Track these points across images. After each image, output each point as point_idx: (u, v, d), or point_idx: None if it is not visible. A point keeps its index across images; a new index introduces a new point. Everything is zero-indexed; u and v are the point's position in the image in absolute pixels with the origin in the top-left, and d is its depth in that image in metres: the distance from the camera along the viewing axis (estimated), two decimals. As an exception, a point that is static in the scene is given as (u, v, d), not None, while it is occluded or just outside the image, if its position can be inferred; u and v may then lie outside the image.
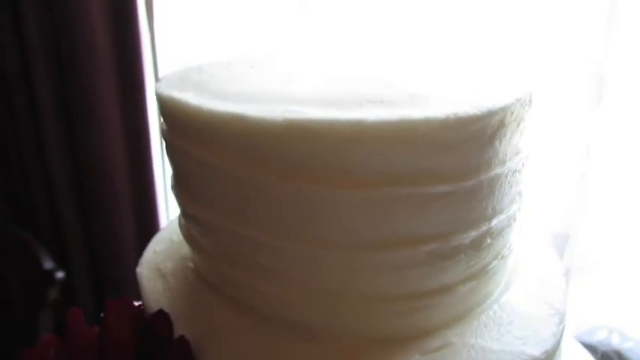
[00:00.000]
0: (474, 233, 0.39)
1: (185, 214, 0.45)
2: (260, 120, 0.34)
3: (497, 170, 0.38)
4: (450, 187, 0.36)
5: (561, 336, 0.42)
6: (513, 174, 0.40)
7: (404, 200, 0.35)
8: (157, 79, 1.19)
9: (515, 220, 0.43)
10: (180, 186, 0.44)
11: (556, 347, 0.41)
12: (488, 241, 0.40)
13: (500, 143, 0.37)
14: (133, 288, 0.50)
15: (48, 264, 1.24)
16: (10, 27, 1.11)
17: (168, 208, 1.32)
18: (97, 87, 1.15)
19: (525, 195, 0.45)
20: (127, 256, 1.29)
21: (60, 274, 1.23)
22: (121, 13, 1.13)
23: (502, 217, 0.41)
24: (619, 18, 0.96)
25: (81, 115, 1.18)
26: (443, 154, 0.35)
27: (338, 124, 0.33)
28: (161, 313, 0.43)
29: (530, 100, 0.39)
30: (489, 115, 0.35)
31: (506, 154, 0.39)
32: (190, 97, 0.38)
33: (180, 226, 0.48)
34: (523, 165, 0.42)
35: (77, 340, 0.43)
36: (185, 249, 0.51)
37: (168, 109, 0.41)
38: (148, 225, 1.29)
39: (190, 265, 0.49)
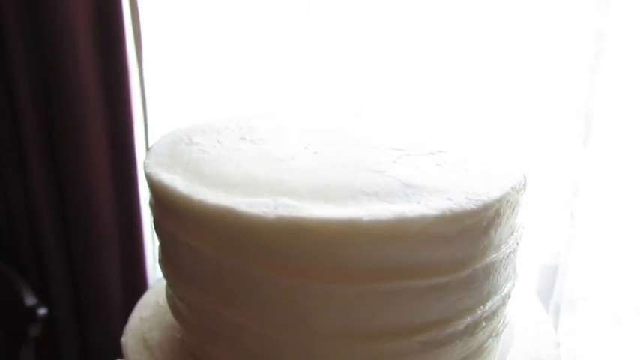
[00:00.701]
0: (468, 319, 0.38)
1: (173, 290, 0.44)
2: (252, 216, 0.34)
3: (493, 256, 0.38)
4: (445, 278, 0.36)
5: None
6: (508, 255, 0.40)
7: (398, 293, 0.35)
8: (145, 115, 1.18)
9: (509, 297, 0.43)
10: (167, 262, 0.44)
11: None
12: (483, 324, 0.40)
13: (496, 232, 0.37)
14: (116, 324, 0.48)
15: (30, 300, 1.22)
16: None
17: (155, 247, 1.30)
18: (84, 126, 1.13)
19: (519, 270, 0.45)
20: (112, 293, 1.27)
21: (42, 311, 1.21)
22: (109, 51, 1.12)
23: (496, 297, 0.41)
24: (604, 58, 0.97)
25: (67, 153, 1.16)
26: (438, 248, 0.35)
27: (332, 223, 0.33)
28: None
29: (524, 185, 0.39)
30: (485, 208, 0.35)
31: (501, 239, 0.39)
32: (180, 183, 0.38)
33: (168, 296, 0.47)
34: (517, 244, 0.42)
35: None
36: (172, 317, 0.50)
37: (158, 192, 0.40)
38: (134, 263, 1.27)
39: (177, 335, 0.48)
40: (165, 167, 0.41)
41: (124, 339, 0.50)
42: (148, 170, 0.41)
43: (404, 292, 0.35)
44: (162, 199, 0.39)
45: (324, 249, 0.33)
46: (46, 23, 1.06)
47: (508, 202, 0.37)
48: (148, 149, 0.44)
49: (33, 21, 1.06)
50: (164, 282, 0.53)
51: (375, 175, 0.38)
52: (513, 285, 0.44)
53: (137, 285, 1.29)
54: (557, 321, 1.17)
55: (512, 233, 0.41)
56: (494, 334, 0.43)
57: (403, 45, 1.01)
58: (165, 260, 0.44)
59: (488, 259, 0.38)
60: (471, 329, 0.39)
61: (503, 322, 0.44)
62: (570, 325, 1.17)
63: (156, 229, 0.44)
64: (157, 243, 1.24)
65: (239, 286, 0.37)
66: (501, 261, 0.39)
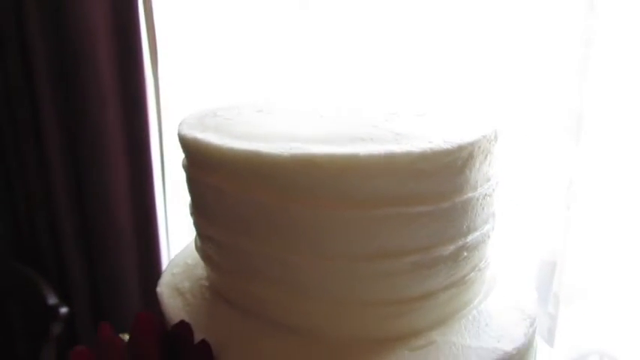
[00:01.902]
0: (451, 247, 0.47)
1: (202, 236, 0.53)
2: (271, 155, 0.43)
3: (470, 194, 0.47)
4: (429, 207, 0.45)
5: (532, 337, 0.50)
6: (484, 198, 0.49)
7: (391, 219, 0.44)
8: (159, 119, 1.28)
9: (489, 237, 0.52)
10: (198, 212, 0.53)
11: (527, 346, 0.49)
12: (465, 254, 0.48)
13: (470, 172, 0.46)
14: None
15: (52, 299, 1.30)
16: (20, 74, 1.20)
17: (169, 248, 1.39)
18: (104, 131, 1.23)
19: (503, 219, 0.54)
20: (129, 293, 1.36)
21: (64, 310, 1.29)
22: (126, 55, 1.22)
23: (476, 234, 0.49)
24: (592, 58, 1.06)
25: (86, 155, 1.26)
26: (422, 181, 0.44)
27: (335, 157, 0.42)
28: (182, 323, 0.50)
29: (495, 136, 0.48)
30: (459, 149, 0.44)
31: (476, 181, 0.48)
32: (212, 138, 0.47)
33: (197, 248, 0.56)
34: (493, 191, 0.51)
35: (108, 350, 0.50)
36: (200, 270, 0.59)
37: (192, 147, 0.49)
38: (150, 263, 1.36)
39: (206, 283, 0.57)
40: (198, 129, 0.50)
41: (158, 289, 0.58)
42: (183, 132, 0.50)
43: (395, 218, 0.44)
44: (197, 153, 0.49)
45: (329, 181, 0.43)
46: (68, 28, 1.17)
47: (480, 147, 0.46)
48: (180, 123, 0.54)
49: (55, 26, 1.17)
50: (190, 247, 0.62)
51: (370, 128, 0.47)
52: (492, 228, 0.52)
53: (153, 283, 1.38)
54: (557, 313, 1.25)
55: (488, 180, 0.50)
56: (476, 268, 0.51)
57: (399, 43, 1.10)
58: (195, 211, 0.54)
59: (465, 196, 0.47)
60: (454, 256, 0.48)
61: (485, 261, 0.53)
62: (568, 315, 1.24)
63: (189, 185, 0.54)
64: (172, 242, 1.32)
65: (259, 219, 0.46)
66: (478, 200, 0.48)
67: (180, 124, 0.54)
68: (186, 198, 0.56)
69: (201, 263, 0.59)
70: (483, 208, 0.50)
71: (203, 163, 0.49)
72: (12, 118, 1.25)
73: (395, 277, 0.46)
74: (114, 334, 0.52)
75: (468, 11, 1.06)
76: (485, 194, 0.49)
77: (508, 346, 0.47)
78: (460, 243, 0.48)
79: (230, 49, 1.23)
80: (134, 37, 1.20)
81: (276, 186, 0.44)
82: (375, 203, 0.43)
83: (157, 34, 1.24)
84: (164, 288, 0.58)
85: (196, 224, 0.54)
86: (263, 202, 0.45)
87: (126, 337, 0.51)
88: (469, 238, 0.49)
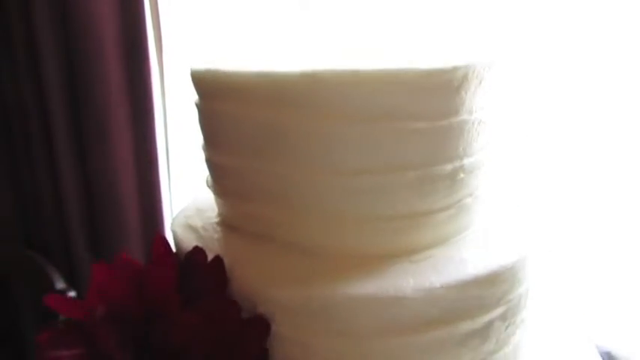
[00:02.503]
0: (449, 166, 0.51)
1: (213, 166, 0.57)
2: (283, 74, 0.47)
3: (465, 117, 0.51)
4: (427, 124, 0.48)
5: (526, 256, 0.53)
6: (479, 124, 0.53)
7: (392, 133, 0.48)
8: (164, 104, 1.32)
9: (484, 165, 0.55)
10: (209, 144, 0.57)
11: (521, 263, 0.52)
12: (462, 175, 0.52)
13: (466, 94, 0.50)
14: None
15: (60, 284, 1.32)
16: (27, 63, 1.24)
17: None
18: (109, 115, 1.27)
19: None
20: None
21: (72, 294, 1.31)
22: (133, 45, 1.26)
23: (472, 159, 0.53)
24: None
25: (93, 142, 1.30)
26: (421, 98, 0.48)
27: (340, 72, 0.46)
28: (196, 248, 0.53)
29: (490, 65, 0.52)
30: (454, 69, 0.48)
31: (472, 106, 0.52)
32: (224, 67, 0.51)
33: (208, 184, 0.60)
34: (488, 119, 0.54)
35: (125, 270, 0.53)
36: (210, 212, 0.63)
37: (205, 79, 0.53)
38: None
39: (216, 220, 0.60)
40: (210, 64, 0.54)
41: (172, 228, 0.62)
42: (197, 68, 0.54)
43: (396, 133, 0.48)
44: (212, 83, 0.53)
45: (336, 96, 0.47)
46: (76, 31, 1.21)
47: (474, 72, 0.50)
48: (192, 65, 0.58)
49: (64, 29, 1.22)
50: (199, 198, 0.66)
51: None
52: (487, 157, 0.56)
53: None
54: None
55: (482, 108, 0.54)
56: (472, 195, 0.55)
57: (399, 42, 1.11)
58: (207, 144, 0.58)
59: (461, 117, 0.50)
60: (452, 176, 0.51)
61: (481, 188, 0.56)
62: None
63: (201, 120, 0.58)
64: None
65: (269, 138, 0.50)
66: (473, 124, 0.52)
67: (193, 63, 0.58)
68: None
69: (211, 206, 0.63)
70: (478, 134, 0.53)
71: (216, 93, 0.53)
72: (19, 98, 1.28)
73: (396, 193, 0.49)
74: (131, 258, 0.55)
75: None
76: (480, 120, 0.53)
77: (504, 260, 0.51)
78: (457, 164, 0.51)
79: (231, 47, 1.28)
80: (140, 32, 1.24)
81: (286, 104, 0.48)
82: (377, 118, 0.47)
83: (162, 31, 1.29)
84: (177, 227, 0.61)
85: (208, 157, 0.58)
86: (273, 121, 0.49)
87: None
88: (465, 161, 0.52)
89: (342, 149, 0.48)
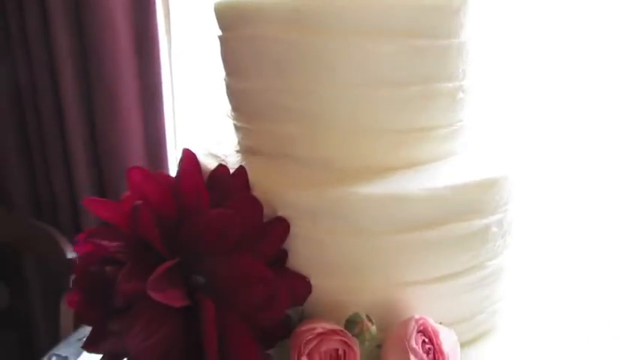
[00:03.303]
0: (450, 85, 0.57)
1: (236, 93, 0.63)
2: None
3: (463, 39, 0.57)
4: (429, 41, 0.54)
5: (517, 172, 0.59)
6: (476, 49, 0.59)
7: (398, 49, 0.54)
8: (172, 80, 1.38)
9: (474, 89, 0.61)
10: (232, 73, 0.63)
11: (514, 177, 0.58)
12: (462, 95, 0.58)
13: (464, 17, 0.56)
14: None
15: (71, 253, 1.37)
16: (40, 33, 1.29)
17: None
18: (119, 91, 1.32)
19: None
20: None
21: (82, 262, 1.36)
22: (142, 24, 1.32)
23: (470, 81, 0.59)
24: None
25: (104, 116, 1.35)
26: (424, 17, 0.54)
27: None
28: (220, 165, 0.59)
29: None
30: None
31: (470, 30, 0.58)
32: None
33: (229, 115, 0.66)
34: (484, 48, 0.61)
35: (157, 179, 0.57)
36: (230, 143, 0.68)
37: (229, 10, 0.59)
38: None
39: (236, 148, 0.66)
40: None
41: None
42: (220, 2, 0.60)
43: (402, 49, 0.54)
44: (235, 14, 0.59)
45: (350, 15, 0.53)
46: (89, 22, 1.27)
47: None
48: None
49: (77, 20, 1.27)
50: (217, 135, 0.71)
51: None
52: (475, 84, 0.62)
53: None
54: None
55: (480, 35, 0.60)
56: (470, 117, 0.61)
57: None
58: (230, 75, 0.63)
59: (461, 40, 0.57)
60: (453, 94, 0.57)
61: (477, 113, 0.62)
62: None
63: (224, 53, 0.64)
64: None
65: (292, 58, 0.55)
66: (472, 47, 0.58)
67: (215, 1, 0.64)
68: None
69: (229, 139, 0.68)
70: (475, 59, 0.59)
71: (239, 22, 0.59)
72: (29, 71, 1.33)
73: (403, 106, 0.55)
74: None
75: None
76: (478, 46, 0.59)
77: (499, 171, 0.57)
78: (457, 84, 0.57)
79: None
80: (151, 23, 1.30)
81: (305, 25, 0.54)
82: (385, 35, 0.53)
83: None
84: (199, 156, 0.67)
85: (231, 85, 0.64)
86: (295, 41, 0.55)
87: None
88: (464, 82, 0.58)
89: (357, 62, 0.54)
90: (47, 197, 1.43)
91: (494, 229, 0.58)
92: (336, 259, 0.55)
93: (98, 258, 0.54)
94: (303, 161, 0.58)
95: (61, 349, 0.94)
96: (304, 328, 0.52)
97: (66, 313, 1.35)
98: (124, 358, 0.53)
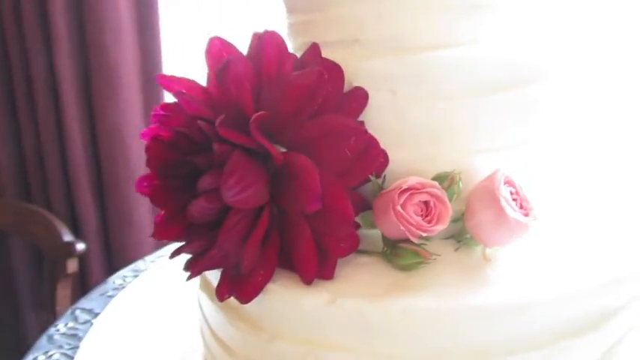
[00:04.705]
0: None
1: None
2: None
3: None
4: None
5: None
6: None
7: None
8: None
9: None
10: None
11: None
12: None
13: None
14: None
15: (67, 236, 1.33)
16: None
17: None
18: (119, 67, 1.32)
19: None
20: (142, 234, 1.40)
21: (81, 246, 1.32)
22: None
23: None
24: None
25: (101, 95, 1.34)
26: None
27: None
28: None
29: None
30: None
31: None
32: None
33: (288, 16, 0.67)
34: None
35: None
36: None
37: None
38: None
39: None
40: None
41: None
42: None
43: None
44: None
45: None
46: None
47: None
48: None
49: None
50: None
51: None
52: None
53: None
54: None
55: None
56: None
57: None
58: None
59: None
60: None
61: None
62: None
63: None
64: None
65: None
66: None
67: None
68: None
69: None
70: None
71: None
72: (23, 54, 1.31)
73: None
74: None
75: None
76: None
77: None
78: None
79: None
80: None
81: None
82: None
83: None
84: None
85: None
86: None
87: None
88: None
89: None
90: (39, 179, 1.39)
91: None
92: (412, 128, 0.57)
93: (180, 122, 0.53)
94: (373, 44, 0.60)
95: (84, 303, 0.91)
96: (392, 186, 0.53)
97: (63, 298, 1.30)
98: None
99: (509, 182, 0.53)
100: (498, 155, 0.57)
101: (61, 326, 0.84)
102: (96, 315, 0.86)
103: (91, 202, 1.36)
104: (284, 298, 0.53)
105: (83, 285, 1.37)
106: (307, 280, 0.52)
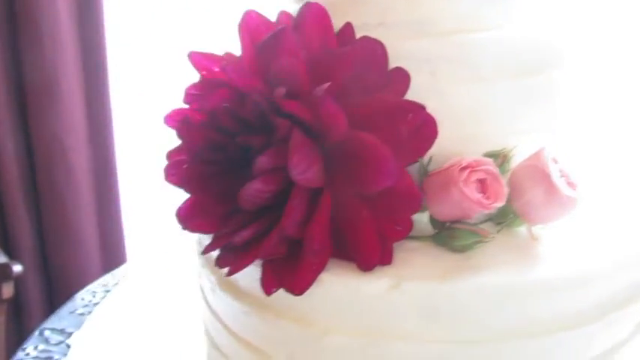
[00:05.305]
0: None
1: None
2: None
3: None
4: None
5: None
6: None
7: None
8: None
9: None
10: None
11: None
12: None
13: None
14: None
15: (2, 257, 1.21)
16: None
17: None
18: (57, 64, 1.22)
19: None
20: (85, 247, 1.29)
21: (17, 268, 1.21)
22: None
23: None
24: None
25: (38, 103, 1.23)
26: None
27: None
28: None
29: None
30: None
31: None
32: None
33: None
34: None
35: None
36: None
37: None
38: (110, 218, 1.31)
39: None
40: None
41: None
42: None
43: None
44: None
45: None
46: None
47: None
48: None
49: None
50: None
51: None
52: None
53: (114, 236, 1.30)
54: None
55: None
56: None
57: None
58: None
59: None
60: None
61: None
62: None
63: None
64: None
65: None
66: None
67: None
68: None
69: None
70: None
71: None
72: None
73: None
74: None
75: None
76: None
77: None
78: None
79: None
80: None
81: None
82: None
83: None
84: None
85: None
86: None
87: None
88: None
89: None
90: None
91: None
92: (454, 109, 0.56)
93: (220, 100, 0.49)
94: (398, 26, 0.59)
95: (54, 323, 0.82)
96: (447, 164, 0.52)
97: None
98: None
99: (554, 159, 0.54)
100: (536, 137, 0.58)
101: (30, 349, 0.75)
102: (69, 335, 0.78)
103: (26, 219, 1.23)
104: (340, 288, 0.50)
105: (17, 311, 1.23)
106: (369, 267, 0.49)
